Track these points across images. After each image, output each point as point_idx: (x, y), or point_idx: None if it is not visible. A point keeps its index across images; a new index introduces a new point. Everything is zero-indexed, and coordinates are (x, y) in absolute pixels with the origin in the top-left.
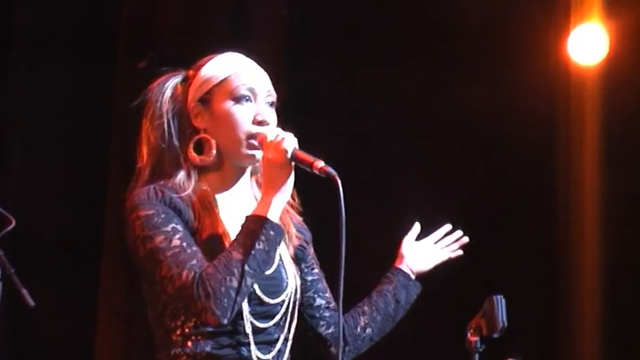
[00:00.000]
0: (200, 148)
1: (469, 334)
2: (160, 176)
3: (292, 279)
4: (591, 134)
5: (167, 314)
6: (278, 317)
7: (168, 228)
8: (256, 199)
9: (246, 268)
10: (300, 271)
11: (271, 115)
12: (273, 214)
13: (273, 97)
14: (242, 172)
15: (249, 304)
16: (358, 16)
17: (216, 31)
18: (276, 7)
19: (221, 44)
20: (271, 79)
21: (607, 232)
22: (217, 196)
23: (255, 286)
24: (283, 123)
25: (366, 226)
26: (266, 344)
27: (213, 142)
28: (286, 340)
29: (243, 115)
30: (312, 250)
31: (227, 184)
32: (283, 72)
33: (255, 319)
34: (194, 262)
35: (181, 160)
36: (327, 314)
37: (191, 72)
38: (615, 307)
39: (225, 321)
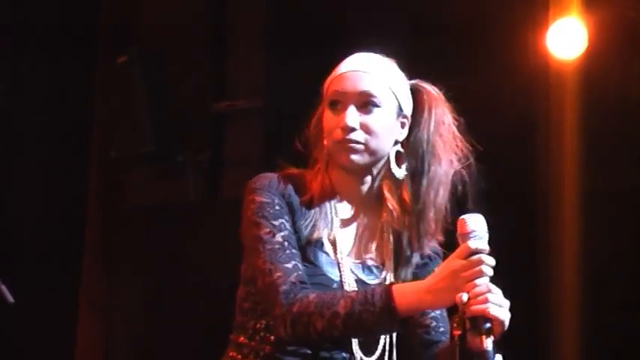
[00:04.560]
0: None
1: (452, 328)
2: (311, 165)
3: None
4: (570, 128)
5: (249, 300)
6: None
7: (277, 222)
8: (386, 207)
9: (340, 325)
10: None
11: (357, 118)
12: (407, 312)
13: (369, 97)
14: (354, 176)
15: None
16: (337, 13)
17: (195, 27)
18: (254, 3)
19: (199, 40)
20: (248, 73)
21: (586, 227)
22: (336, 199)
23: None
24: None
25: None
26: None
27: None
28: None
29: (333, 122)
30: (432, 270)
31: (340, 187)
32: (261, 68)
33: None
34: (289, 265)
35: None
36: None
37: None
38: (594, 302)
39: (287, 339)
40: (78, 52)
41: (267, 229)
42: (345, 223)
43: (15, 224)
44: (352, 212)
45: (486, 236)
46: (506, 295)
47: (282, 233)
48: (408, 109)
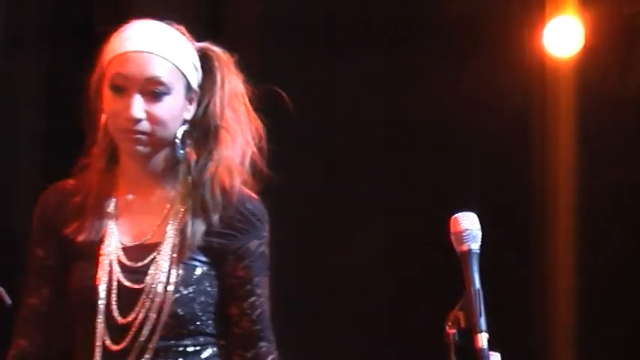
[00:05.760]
0: None
1: (447, 327)
2: (89, 142)
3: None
4: (566, 126)
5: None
6: (128, 339)
7: (30, 252)
8: (175, 186)
9: None
10: (218, 271)
11: (143, 107)
12: None
13: (157, 84)
14: (139, 159)
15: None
16: (333, 10)
17: (192, 25)
18: (252, 3)
19: (196, 37)
20: (244, 73)
21: (582, 226)
22: (114, 193)
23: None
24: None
25: (335, 220)
26: None
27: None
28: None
29: (116, 106)
30: (242, 244)
31: (124, 171)
32: (259, 67)
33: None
34: (27, 299)
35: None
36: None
37: None
38: (589, 300)
39: None
40: (73, 52)
41: (29, 258)
42: (123, 212)
43: (13, 226)
44: (133, 198)
45: (479, 235)
46: (501, 295)
47: (32, 264)
48: (196, 82)
